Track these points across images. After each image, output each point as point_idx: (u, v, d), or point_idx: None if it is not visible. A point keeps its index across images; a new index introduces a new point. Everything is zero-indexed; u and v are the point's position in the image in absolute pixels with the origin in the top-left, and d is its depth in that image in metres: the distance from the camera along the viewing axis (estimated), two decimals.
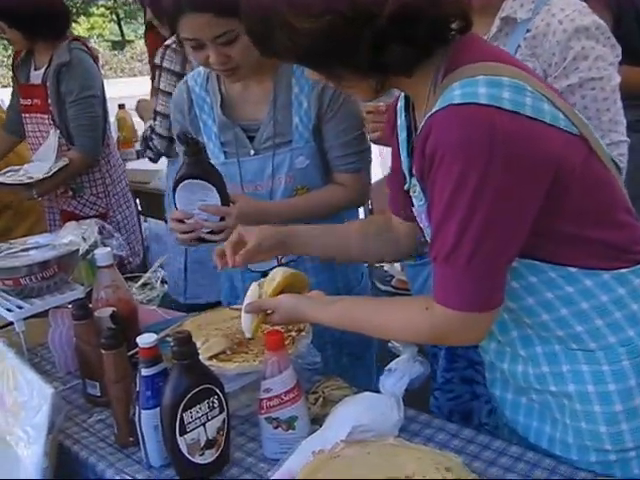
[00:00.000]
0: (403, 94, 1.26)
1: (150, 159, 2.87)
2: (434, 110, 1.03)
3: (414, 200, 1.23)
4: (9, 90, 3.11)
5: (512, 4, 1.49)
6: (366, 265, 2.07)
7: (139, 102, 3.29)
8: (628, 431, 1.13)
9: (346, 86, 1.16)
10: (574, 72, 1.44)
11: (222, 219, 1.61)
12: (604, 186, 1.12)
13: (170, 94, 2.67)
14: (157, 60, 2.69)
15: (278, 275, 1.37)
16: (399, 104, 1.28)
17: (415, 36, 1.03)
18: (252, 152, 1.75)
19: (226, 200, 1.61)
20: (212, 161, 1.75)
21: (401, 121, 1.27)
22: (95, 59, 2.84)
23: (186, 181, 1.59)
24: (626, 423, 1.13)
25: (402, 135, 1.27)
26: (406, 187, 1.25)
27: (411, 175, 1.21)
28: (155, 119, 2.66)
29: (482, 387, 1.66)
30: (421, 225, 1.24)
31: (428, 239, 1.15)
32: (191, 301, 2.72)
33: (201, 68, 1.81)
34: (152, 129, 2.64)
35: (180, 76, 2.54)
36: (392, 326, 1.20)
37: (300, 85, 1.70)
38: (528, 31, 1.48)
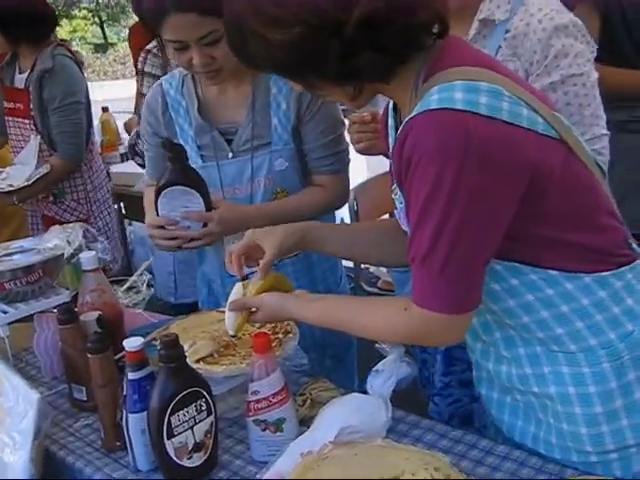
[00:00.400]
0: None
1: (140, 165, 2.88)
2: (412, 114, 1.04)
3: (396, 202, 1.23)
4: None
5: (489, 6, 1.51)
6: (344, 267, 2.05)
7: (126, 123, 3.37)
8: (608, 433, 1.14)
9: (322, 95, 1.18)
10: (555, 69, 1.46)
11: (204, 225, 1.61)
12: (585, 189, 1.12)
13: None
14: (139, 65, 2.73)
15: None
16: (390, 105, 1.28)
17: (385, 44, 1.04)
18: (230, 155, 1.74)
19: (209, 206, 1.61)
20: None
21: (391, 123, 1.28)
22: (80, 64, 2.82)
23: (171, 188, 1.58)
24: (606, 425, 1.13)
25: (392, 137, 1.27)
26: (392, 188, 1.26)
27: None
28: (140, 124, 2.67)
29: None
30: (404, 227, 1.24)
31: None
32: (181, 301, 2.74)
33: (176, 71, 1.80)
34: (138, 134, 2.64)
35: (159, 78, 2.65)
36: (372, 326, 1.21)
37: (278, 86, 1.70)
38: (507, 32, 1.50)
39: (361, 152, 1.83)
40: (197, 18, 1.49)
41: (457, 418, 1.69)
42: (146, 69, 2.74)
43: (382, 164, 1.81)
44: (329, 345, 1.86)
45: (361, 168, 2.43)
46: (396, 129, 1.24)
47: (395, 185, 1.22)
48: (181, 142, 1.76)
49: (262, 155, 1.72)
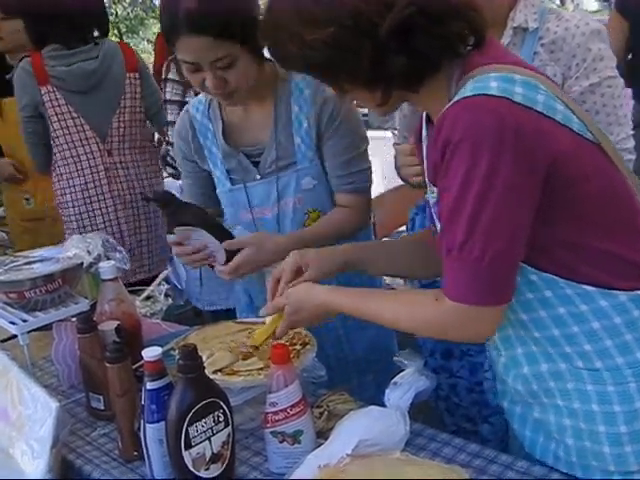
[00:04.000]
0: None
1: (172, 175, 2.90)
2: (447, 107, 1.04)
3: (430, 202, 1.23)
4: None
5: (520, 15, 1.56)
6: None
7: None
8: (632, 453, 1.12)
9: (351, 98, 1.19)
10: (594, 72, 1.53)
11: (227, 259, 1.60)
12: (622, 197, 1.12)
13: (176, 102, 2.81)
14: (163, 74, 2.83)
15: None
16: (423, 116, 1.28)
17: (417, 50, 1.04)
18: (258, 177, 1.72)
19: (219, 232, 1.61)
20: (218, 189, 1.77)
21: (425, 133, 1.27)
22: (38, 76, 2.69)
23: (175, 230, 1.60)
24: (630, 445, 1.11)
25: (425, 144, 1.27)
26: (426, 196, 1.25)
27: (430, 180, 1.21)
28: (168, 130, 2.68)
29: None
30: (438, 227, 1.23)
31: None
32: (209, 308, 2.74)
33: (202, 96, 1.79)
34: (167, 142, 2.68)
35: (183, 84, 2.78)
36: (403, 318, 1.19)
37: (299, 104, 1.67)
38: (540, 38, 1.54)
39: (416, 185, 1.72)
40: (211, 41, 1.46)
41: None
42: (169, 76, 2.84)
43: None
44: (372, 361, 1.86)
45: (378, 180, 2.43)
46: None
47: (429, 187, 1.21)
48: (211, 165, 1.77)
49: (288, 175, 1.70)
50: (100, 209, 2.81)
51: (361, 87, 1.12)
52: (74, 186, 2.80)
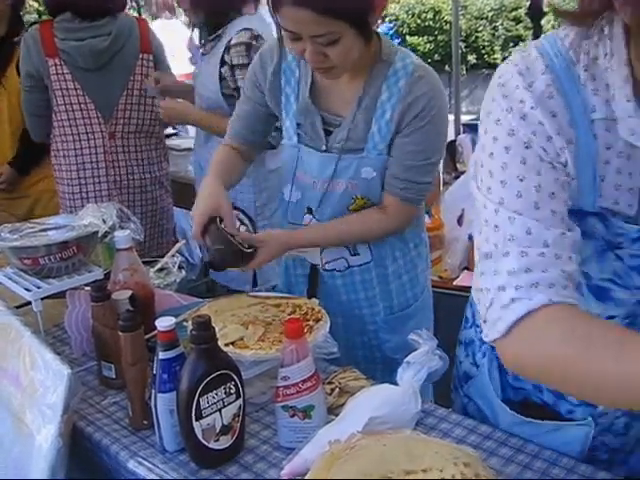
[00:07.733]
0: None
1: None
2: None
3: None
4: None
5: None
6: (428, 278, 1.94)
7: None
8: None
9: None
10: None
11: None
12: None
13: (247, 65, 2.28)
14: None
15: None
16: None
17: None
18: (323, 147, 1.66)
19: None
20: (284, 140, 1.72)
21: None
22: (46, 47, 2.59)
23: None
24: None
25: None
26: None
27: None
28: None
29: None
30: None
31: None
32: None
33: None
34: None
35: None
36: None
37: (390, 92, 1.57)
38: None
39: None
40: (313, 16, 1.38)
41: None
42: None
43: None
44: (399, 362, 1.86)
45: None
46: None
47: None
48: (283, 112, 1.71)
49: (349, 159, 1.63)
50: (94, 191, 2.72)
51: None
52: (70, 164, 2.72)
